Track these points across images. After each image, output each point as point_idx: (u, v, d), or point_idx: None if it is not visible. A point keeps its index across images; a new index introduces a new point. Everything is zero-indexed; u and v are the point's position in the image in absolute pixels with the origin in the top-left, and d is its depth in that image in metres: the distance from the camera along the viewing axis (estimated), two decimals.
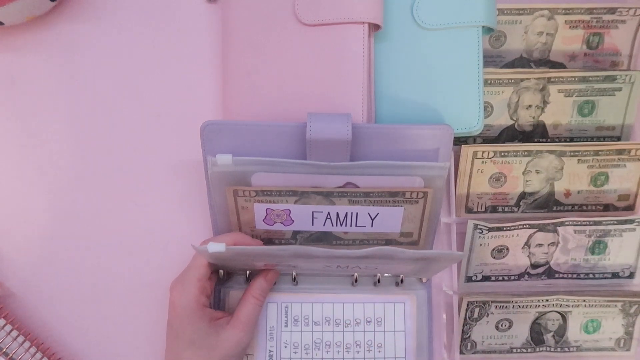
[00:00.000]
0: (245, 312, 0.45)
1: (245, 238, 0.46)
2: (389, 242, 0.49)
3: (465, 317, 0.50)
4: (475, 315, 0.50)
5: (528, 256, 0.51)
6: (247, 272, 0.49)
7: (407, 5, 0.49)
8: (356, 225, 0.48)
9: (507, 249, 0.50)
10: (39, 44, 0.52)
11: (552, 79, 0.50)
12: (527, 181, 0.50)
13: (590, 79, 0.51)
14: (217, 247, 0.40)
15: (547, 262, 0.51)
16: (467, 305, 0.49)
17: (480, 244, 0.49)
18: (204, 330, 0.43)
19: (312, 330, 0.50)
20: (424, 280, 0.50)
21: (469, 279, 0.51)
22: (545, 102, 0.51)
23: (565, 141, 0.52)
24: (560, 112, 0.52)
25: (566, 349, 0.51)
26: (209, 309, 0.45)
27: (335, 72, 0.47)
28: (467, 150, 0.49)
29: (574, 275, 0.52)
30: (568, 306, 0.50)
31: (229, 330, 0.44)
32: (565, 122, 0.52)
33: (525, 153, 0.49)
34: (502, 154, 0.49)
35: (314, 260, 0.42)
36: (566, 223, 0.50)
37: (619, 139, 0.53)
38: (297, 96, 0.47)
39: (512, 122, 0.52)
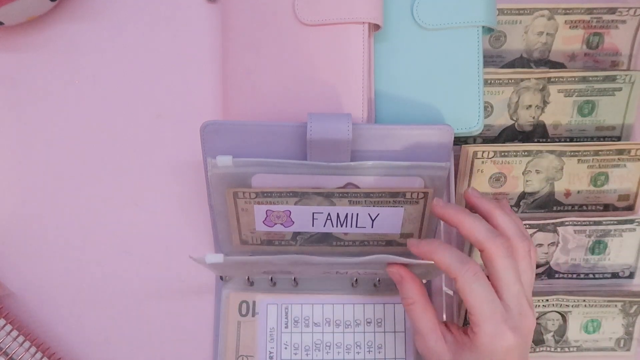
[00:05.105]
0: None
1: None
2: (389, 243, 0.49)
3: (465, 317, 0.50)
4: None
5: None
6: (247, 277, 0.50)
7: (407, 5, 0.49)
8: (356, 226, 0.48)
9: None
10: (39, 44, 0.52)
11: (552, 79, 0.50)
12: (527, 181, 0.50)
13: (590, 79, 0.50)
14: (215, 258, 0.40)
15: (547, 262, 0.51)
16: None
17: None
18: None
19: (312, 332, 0.50)
20: (424, 281, 0.50)
21: None
22: (545, 102, 0.51)
23: (565, 141, 0.52)
24: (560, 112, 0.51)
25: (566, 349, 0.51)
26: None
27: (335, 72, 0.47)
28: (467, 150, 0.49)
29: (574, 275, 0.52)
30: (568, 306, 0.50)
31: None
32: (565, 122, 0.52)
33: (525, 153, 0.49)
34: (502, 154, 0.49)
35: (313, 267, 0.42)
36: (566, 223, 0.50)
37: (619, 139, 0.53)
38: (297, 96, 0.47)
39: (512, 122, 0.52)
